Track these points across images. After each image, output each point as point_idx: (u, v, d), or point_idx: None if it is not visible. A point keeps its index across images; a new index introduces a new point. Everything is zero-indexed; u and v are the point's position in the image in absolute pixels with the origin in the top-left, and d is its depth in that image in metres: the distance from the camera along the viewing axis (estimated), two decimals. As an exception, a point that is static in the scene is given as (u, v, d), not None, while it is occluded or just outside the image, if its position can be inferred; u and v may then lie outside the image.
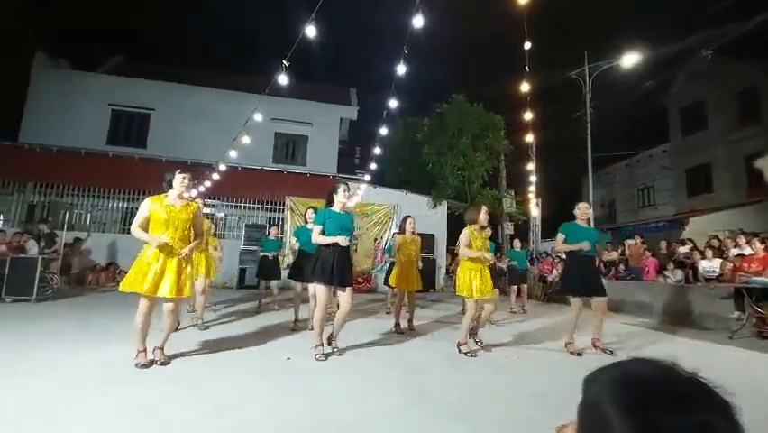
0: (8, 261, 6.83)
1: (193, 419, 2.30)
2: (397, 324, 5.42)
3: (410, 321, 5.57)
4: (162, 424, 2.23)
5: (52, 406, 2.39)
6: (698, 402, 0.47)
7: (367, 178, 11.60)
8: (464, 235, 4.31)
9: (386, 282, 6.77)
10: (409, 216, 5.78)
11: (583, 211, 4.50)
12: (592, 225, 5.57)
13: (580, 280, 4.37)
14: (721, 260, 7.40)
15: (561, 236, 4.49)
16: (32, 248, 7.71)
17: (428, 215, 12.96)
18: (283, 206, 12.69)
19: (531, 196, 11.16)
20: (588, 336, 4.75)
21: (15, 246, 7.84)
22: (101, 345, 3.93)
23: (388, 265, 7.02)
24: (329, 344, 3.96)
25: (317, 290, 3.79)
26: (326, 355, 3.75)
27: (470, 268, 4.21)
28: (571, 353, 4.33)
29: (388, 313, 6.97)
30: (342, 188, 4.01)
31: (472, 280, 4.15)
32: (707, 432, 0.45)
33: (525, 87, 6.04)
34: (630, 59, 13.44)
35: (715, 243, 8.17)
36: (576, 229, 4.45)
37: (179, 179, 3.50)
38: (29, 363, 3.23)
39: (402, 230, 5.65)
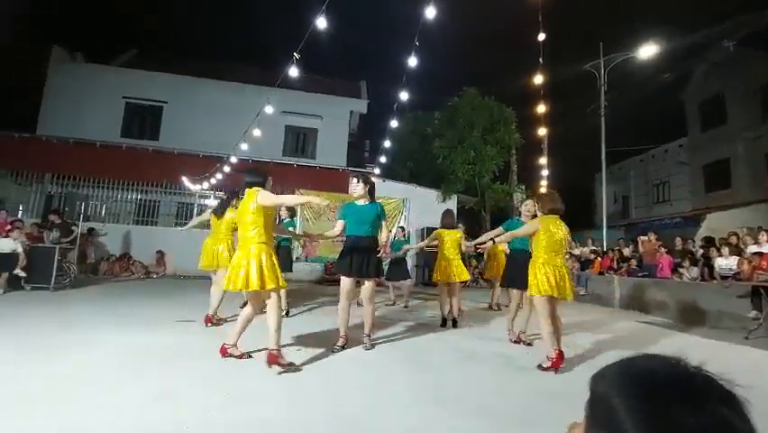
0: (27, 250, 7.00)
1: (207, 406, 2.35)
2: (444, 319, 5.43)
3: (453, 315, 5.39)
4: (177, 410, 2.28)
5: (73, 390, 2.46)
6: (709, 396, 0.47)
7: (377, 171, 11.59)
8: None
9: (388, 278, 6.95)
10: (450, 209, 5.99)
11: (529, 208, 4.55)
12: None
13: (519, 273, 4.34)
14: (738, 257, 7.23)
15: (500, 230, 4.66)
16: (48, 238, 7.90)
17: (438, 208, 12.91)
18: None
19: (543, 191, 11.03)
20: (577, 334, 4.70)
21: (34, 236, 8.04)
22: (116, 332, 4.02)
23: (388, 260, 7.00)
24: (368, 336, 4.00)
25: (341, 281, 3.92)
26: (342, 347, 3.79)
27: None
28: (511, 341, 4.49)
29: (387, 306, 7.07)
30: (353, 180, 4.09)
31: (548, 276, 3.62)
32: (719, 424, 0.45)
33: (538, 79, 5.94)
34: (647, 51, 13.13)
35: (733, 240, 7.98)
36: (517, 226, 4.52)
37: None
38: (48, 348, 3.32)
39: (445, 225, 5.58)
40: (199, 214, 7.93)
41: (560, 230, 3.69)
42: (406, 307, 6.91)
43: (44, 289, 6.82)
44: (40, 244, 7.51)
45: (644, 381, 0.49)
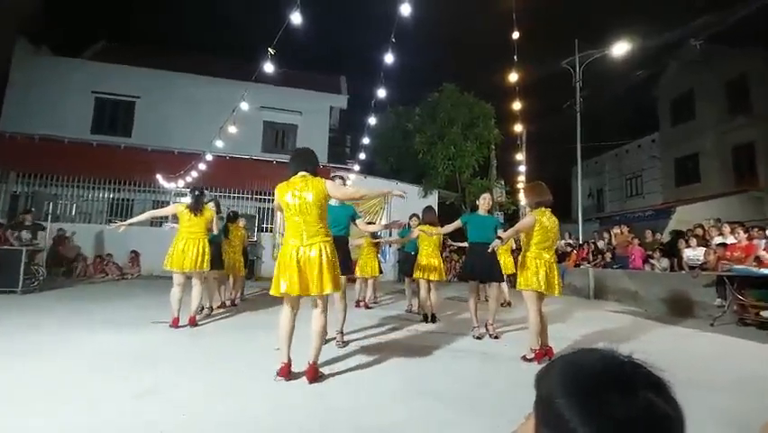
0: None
1: (190, 405, 2.31)
2: (425, 314, 5.44)
3: (432, 310, 5.42)
4: (160, 409, 2.24)
5: (49, 389, 2.37)
6: (638, 383, 0.51)
7: (357, 168, 11.55)
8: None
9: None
10: (430, 206, 6.00)
11: (487, 201, 4.73)
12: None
13: (478, 266, 4.49)
14: (705, 248, 7.55)
15: (458, 223, 4.73)
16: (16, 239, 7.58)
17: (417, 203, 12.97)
18: (273, 195, 12.56)
19: (521, 185, 11.22)
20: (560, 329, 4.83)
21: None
22: (90, 333, 3.89)
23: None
24: (340, 333, 3.97)
25: None
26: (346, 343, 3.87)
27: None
28: (475, 337, 4.46)
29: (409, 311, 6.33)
30: (337, 181, 4.03)
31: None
32: (648, 409, 0.49)
33: (514, 76, 6.02)
34: (621, 48, 13.44)
35: (699, 231, 8.31)
36: (475, 219, 4.68)
37: None
38: (18, 352, 3.19)
39: (427, 221, 5.56)
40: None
41: (552, 223, 3.65)
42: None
43: (11, 292, 6.55)
44: (5, 247, 7.19)
45: (581, 377, 0.53)
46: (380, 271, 6.97)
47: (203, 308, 5.34)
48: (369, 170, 14.36)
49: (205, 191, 5.19)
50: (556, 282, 3.63)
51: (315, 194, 2.85)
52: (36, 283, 7.21)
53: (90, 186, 11.84)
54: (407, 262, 6.33)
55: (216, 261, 5.37)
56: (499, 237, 3.99)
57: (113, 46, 16.15)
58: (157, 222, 10.52)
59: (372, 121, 8.22)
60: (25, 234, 7.69)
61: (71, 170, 11.51)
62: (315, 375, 2.80)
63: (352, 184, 11.56)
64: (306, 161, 3.01)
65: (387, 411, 2.43)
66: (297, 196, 2.86)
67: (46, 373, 2.84)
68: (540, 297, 3.62)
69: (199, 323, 4.76)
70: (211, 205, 5.13)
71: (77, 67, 13.63)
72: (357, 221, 4.05)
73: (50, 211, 9.03)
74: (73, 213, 11.77)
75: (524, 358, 3.58)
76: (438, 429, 2.24)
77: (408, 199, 13.04)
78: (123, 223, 4.60)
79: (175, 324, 4.43)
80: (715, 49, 15.27)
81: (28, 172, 11.32)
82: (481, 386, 2.96)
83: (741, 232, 6.94)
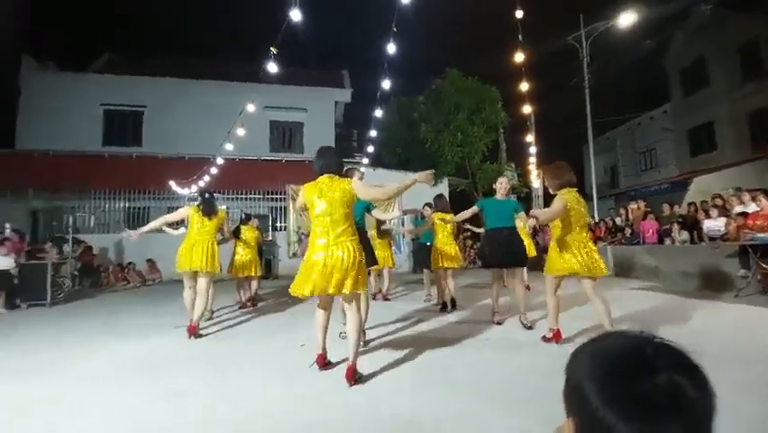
0: (18, 267, 6.91)
1: (212, 406, 2.38)
2: (444, 303, 5.42)
3: (452, 296, 5.44)
4: (183, 408, 2.31)
5: (79, 396, 2.47)
6: (663, 365, 0.51)
7: (365, 161, 11.54)
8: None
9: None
10: (441, 194, 5.90)
11: (504, 186, 4.55)
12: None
13: (501, 252, 4.36)
14: (726, 218, 7.37)
15: (474, 209, 4.56)
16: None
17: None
18: (285, 194, 12.68)
19: (532, 167, 11.08)
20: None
21: (28, 252, 7.93)
22: (117, 342, 4.02)
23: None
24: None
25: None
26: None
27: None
28: (495, 322, 4.39)
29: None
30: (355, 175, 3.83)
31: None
32: (672, 391, 0.49)
33: (519, 57, 5.91)
34: (627, 19, 13.10)
35: (719, 201, 8.11)
36: (493, 204, 4.52)
37: None
38: (48, 360, 3.32)
39: (440, 209, 5.56)
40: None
41: (580, 204, 3.51)
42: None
43: (41, 305, 6.77)
44: (31, 261, 7.41)
45: (605, 363, 0.54)
46: (393, 263, 6.96)
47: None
48: (377, 162, 14.34)
49: (215, 194, 5.18)
50: (599, 261, 3.41)
51: (342, 194, 2.83)
52: (62, 295, 7.43)
53: (106, 197, 12.10)
54: (423, 253, 6.29)
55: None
56: (534, 216, 3.60)
57: (116, 57, 16.33)
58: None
59: (378, 113, 8.19)
60: (66, 248, 7.92)
61: (86, 183, 11.75)
62: (353, 376, 2.71)
63: (368, 183, 11.60)
64: (331, 161, 2.98)
65: (409, 403, 2.45)
66: (323, 196, 2.84)
67: (68, 382, 2.93)
68: (559, 280, 3.58)
69: (217, 324, 4.87)
70: (224, 207, 5.18)
71: (83, 81, 13.86)
72: (373, 211, 4.05)
73: (71, 224, 9.25)
74: (92, 224, 12.04)
75: (543, 338, 3.62)
76: (460, 419, 2.26)
77: (418, 189, 13.05)
78: (137, 231, 4.63)
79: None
80: (726, 14, 14.76)
81: (45, 188, 11.60)
82: (502, 373, 2.97)
83: (763, 199, 6.74)
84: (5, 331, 4.91)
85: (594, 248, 3.51)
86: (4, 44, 13.95)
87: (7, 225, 8.20)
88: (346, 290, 2.75)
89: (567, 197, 3.42)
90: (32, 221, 11.50)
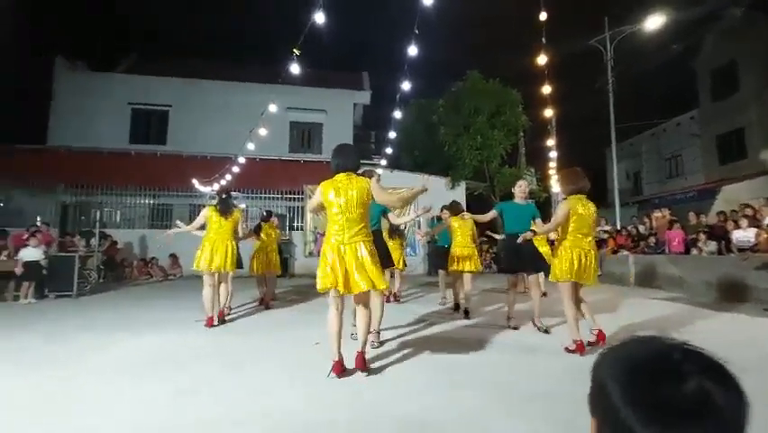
0: (48, 259, 7.19)
1: (230, 402, 2.42)
2: (457, 304, 5.47)
3: (466, 303, 5.35)
4: (201, 403, 2.36)
5: (93, 389, 2.56)
6: (690, 371, 0.50)
7: (383, 162, 11.56)
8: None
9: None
10: (456, 201, 5.95)
11: (523, 189, 4.56)
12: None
13: (519, 258, 4.33)
14: (756, 229, 7.10)
15: (493, 213, 4.59)
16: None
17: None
18: (302, 194, 12.83)
19: (552, 172, 10.89)
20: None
21: (60, 243, 8.27)
22: (139, 334, 4.14)
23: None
24: (376, 333, 3.88)
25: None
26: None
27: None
28: (511, 327, 4.39)
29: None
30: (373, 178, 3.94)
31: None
32: (699, 397, 0.48)
33: (542, 59, 5.84)
34: (654, 22, 12.76)
35: (749, 211, 7.82)
36: (512, 208, 4.49)
37: None
38: (67, 351, 3.45)
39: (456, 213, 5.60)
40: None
41: (588, 210, 3.52)
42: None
43: (67, 296, 7.02)
44: (61, 254, 7.70)
45: (630, 367, 0.53)
46: (404, 265, 6.99)
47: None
48: (394, 164, 14.35)
49: (232, 193, 5.30)
50: (592, 271, 3.50)
51: (359, 194, 2.83)
52: (88, 287, 7.70)
53: (131, 193, 12.48)
54: (439, 256, 6.28)
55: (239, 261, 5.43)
56: (533, 231, 3.89)
57: (144, 58, 16.84)
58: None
59: (397, 115, 8.19)
60: (93, 241, 8.24)
61: (113, 179, 12.15)
62: (363, 363, 2.77)
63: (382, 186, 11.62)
64: (349, 160, 2.98)
65: (423, 404, 2.44)
66: (341, 194, 2.84)
67: (93, 370, 3.03)
68: (575, 287, 3.53)
69: (233, 321, 4.96)
70: (243, 206, 5.30)
71: (112, 80, 14.35)
72: (389, 215, 4.07)
73: (99, 219, 9.57)
74: (118, 219, 12.44)
75: (566, 349, 3.48)
76: (467, 420, 2.24)
77: (436, 191, 13.00)
78: (170, 232, 5.30)
79: (209, 324, 4.57)
80: (757, 16, 14.24)
81: (75, 183, 12.04)
82: (514, 376, 2.93)
83: (796, 210, 6.48)
84: (33, 319, 5.13)
85: (594, 256, 3.55)
86: (37, 46, 14.56)
87: (38, 219, 8.57)
88: (358, 290, 2.77)
89: (572, 203, 3.51)
90: (61, 215, 11.95)
